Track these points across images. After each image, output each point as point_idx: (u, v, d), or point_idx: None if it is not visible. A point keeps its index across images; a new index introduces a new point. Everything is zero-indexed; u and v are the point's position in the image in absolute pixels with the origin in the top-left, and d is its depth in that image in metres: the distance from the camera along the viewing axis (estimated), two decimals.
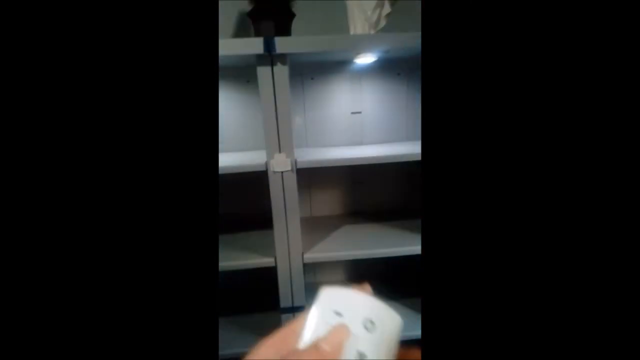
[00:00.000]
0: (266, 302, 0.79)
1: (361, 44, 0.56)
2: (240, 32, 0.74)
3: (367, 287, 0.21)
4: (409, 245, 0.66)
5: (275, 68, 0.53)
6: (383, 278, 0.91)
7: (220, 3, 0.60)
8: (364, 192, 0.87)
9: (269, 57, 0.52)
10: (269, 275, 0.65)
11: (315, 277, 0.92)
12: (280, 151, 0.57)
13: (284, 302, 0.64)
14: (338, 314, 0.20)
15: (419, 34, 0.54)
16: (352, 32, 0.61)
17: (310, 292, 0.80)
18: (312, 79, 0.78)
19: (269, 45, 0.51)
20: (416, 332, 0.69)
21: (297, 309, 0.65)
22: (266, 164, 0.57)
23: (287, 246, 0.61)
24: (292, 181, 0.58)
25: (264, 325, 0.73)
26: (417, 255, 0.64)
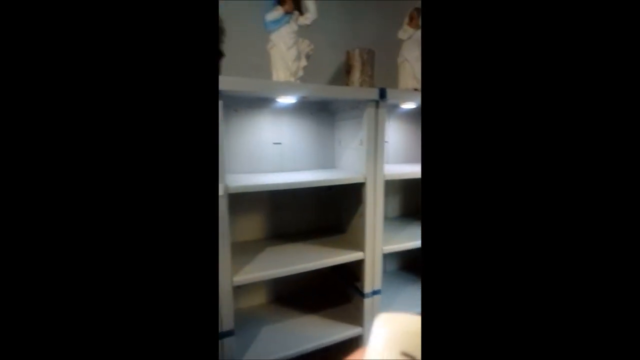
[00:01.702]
0: None
1: (282, 90, 0.67)
2: None
3: None
4: (326, 258, 0.76)
5: None
6: (305, 294, 0.98)
7: None
8: (283, 215, 0.95)
9: None
10: None
11: (238, 302, 0.92)
12: None
13: None
14: (408, 356, 0.15)
15: (326, 86, 0.68)
16: (274, 77, 0.72)
17: (235, 318, 0.78)
18: (235, 111, 0.84)
19: None
20: (333, 339, 0.78)
21: (225, 335, 0.65)
22: None
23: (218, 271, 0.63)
24: (223, 206, 0.62)
25: None
26: (333, 267, 0.76)
